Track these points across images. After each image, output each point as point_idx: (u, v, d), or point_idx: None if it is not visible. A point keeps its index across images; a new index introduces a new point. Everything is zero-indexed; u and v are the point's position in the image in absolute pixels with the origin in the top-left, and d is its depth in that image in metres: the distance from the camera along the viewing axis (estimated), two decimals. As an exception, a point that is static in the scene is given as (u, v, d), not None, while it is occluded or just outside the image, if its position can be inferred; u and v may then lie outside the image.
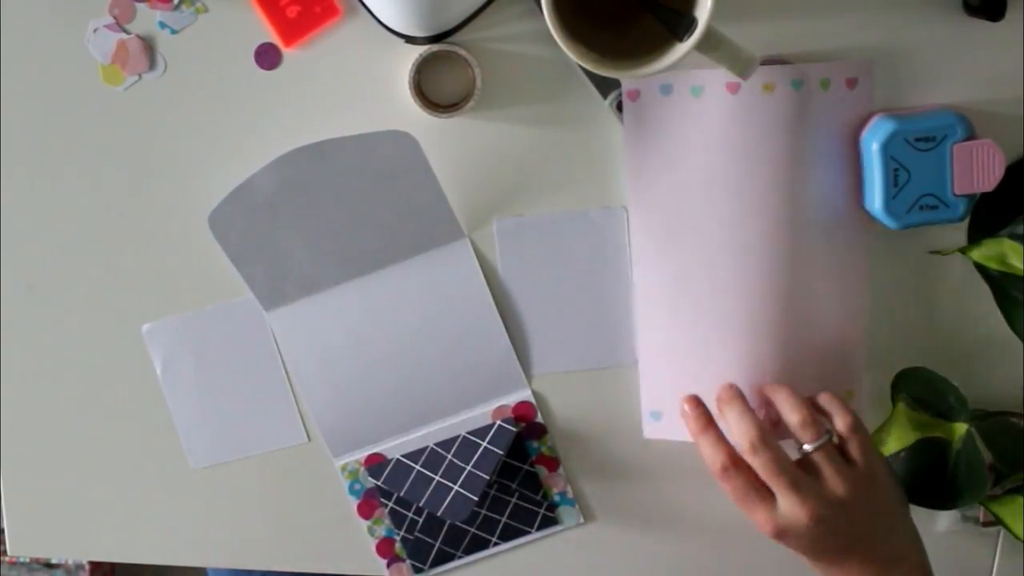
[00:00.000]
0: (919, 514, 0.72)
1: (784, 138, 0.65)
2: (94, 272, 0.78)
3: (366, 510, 0.80)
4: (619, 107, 0.74)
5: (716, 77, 0.64)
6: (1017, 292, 0.75)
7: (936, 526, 0.82)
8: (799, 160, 0.67)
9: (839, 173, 0.71)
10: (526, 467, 0.79)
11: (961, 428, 0.72)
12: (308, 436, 0.80)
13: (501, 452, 0.77)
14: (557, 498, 0.80)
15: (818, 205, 0.69)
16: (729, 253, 0.68)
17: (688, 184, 0.66)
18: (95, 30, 0.74)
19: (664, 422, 0.75)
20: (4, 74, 0.74)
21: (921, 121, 0.72)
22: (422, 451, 0.78)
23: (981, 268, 0.76)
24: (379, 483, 0.79)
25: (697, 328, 0.71)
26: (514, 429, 0.78)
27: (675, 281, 0.70)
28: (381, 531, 0.81)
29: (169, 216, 0.77)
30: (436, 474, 0.77)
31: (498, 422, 0.78)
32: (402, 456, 0.79)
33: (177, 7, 0.73)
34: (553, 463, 0.80)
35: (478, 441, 0.77)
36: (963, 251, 0.75)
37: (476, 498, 0.75)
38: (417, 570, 0.81)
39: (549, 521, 0.81)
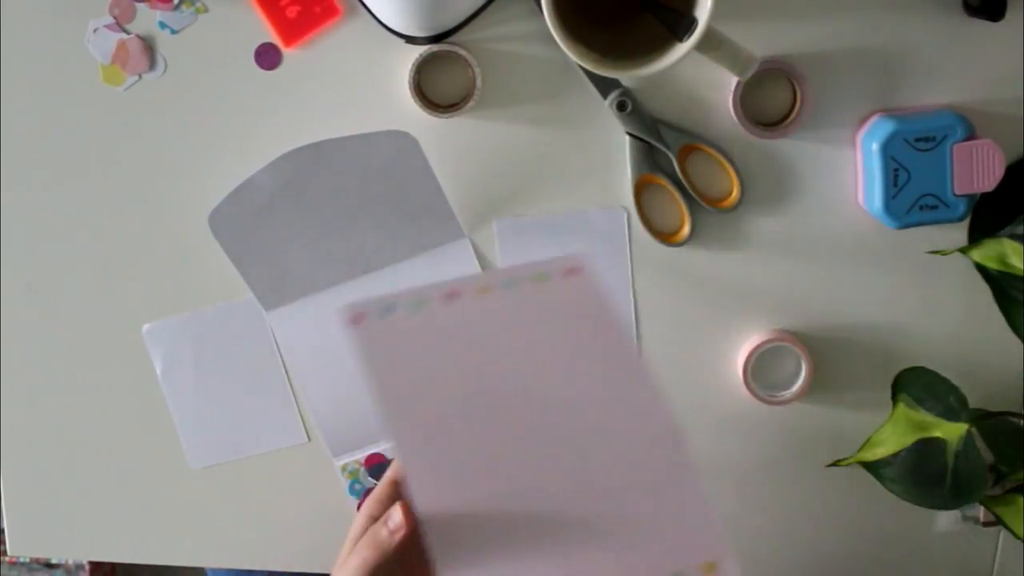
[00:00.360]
0: (919, 514, 0.72)
1: (520, 336, 0.60)
2: (94, 272, 0.78)
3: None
4: (619, 107, 0.74)
5: (432, 290, 0.59)
6: (1017, 292, 0.75)
7: (936, 526, 0.82)
8: (547, 360, 0.60)
9: (600, 365, 0.61)
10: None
11: (961, 428, 0.72)
12: (308, 436, 0.80)
13: (500, 453, 0.76)
14: None
15: (582, 398, 0.60)
16: (519, 457, 0.62)
17: (447, 399, 0.59)
18: (95, 30, 0.74)
19: None
20: (4, 74, 0.74)
21: (921, 121, 0.72)
22: (422, 451, 0.78)
23: (981, 268, 0.76)
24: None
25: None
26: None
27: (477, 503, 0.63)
28: (381, 531, 0.81)
29: (169, 216, 0.77)
30: (435, 475, 0.77)
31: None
32: (402, 456, 0.78)
33: (177, 7, 0.73)
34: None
35: (477, 442, 0.77)
36: (963, 251, 0.75)
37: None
38: None
39: (549, 521, 0.80)
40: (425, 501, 0.55)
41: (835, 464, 0.77)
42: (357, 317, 0.58)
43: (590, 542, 0.58)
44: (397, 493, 0.65)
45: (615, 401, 0.58)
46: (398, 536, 0.61)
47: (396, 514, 0.62)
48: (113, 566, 1.72)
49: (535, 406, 0.59)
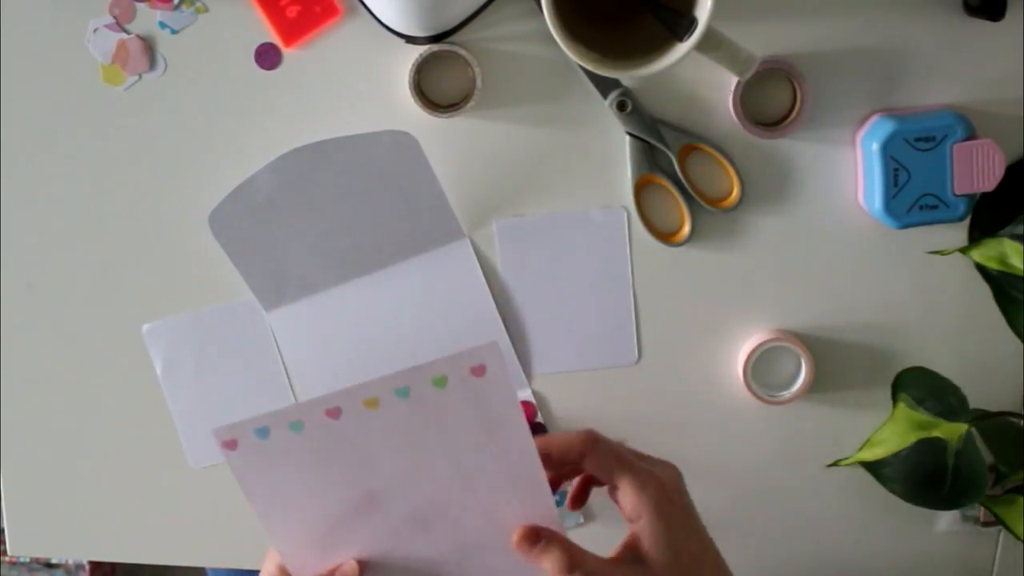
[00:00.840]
0: (919, 514, 0.72)
1: (411, 453, 0.57)
2: (94, 272, 0.78)
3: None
4: (619, 107, 0.74)
5: (313, 408, 0.55)
6: (1017, 292, 0.75)
7: (936, 526, 0.82)
8: (444, 472, 0.58)
9: (510, 474, 0.59)
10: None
11: (961, 428, 0.72)
12: (308, 436, 0.80)
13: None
14: (557, 498, 0.80)
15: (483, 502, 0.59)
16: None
17: (333, 517, 0.59)
18: (95, 30, 0.74)
19: None
20: (4, 74, 0.74)
21: (921, 121, 0.72)
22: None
23: (981, 268, 0.76)
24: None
25: None
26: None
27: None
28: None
29: (169, 216, 0.77)
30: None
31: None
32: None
33: (177, 7, 0.73)
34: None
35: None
36: (963, 251, 0.75)
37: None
38: None
39: (549, 521, 0.80)
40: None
41: (835, 464, 0.77)
42: (229, 443, 0.56)
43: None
44: None
45: (502, 509, 0.58)
46: None
47: None
48: (113, 566, 1.72)
49: (420, 523, 0.59)
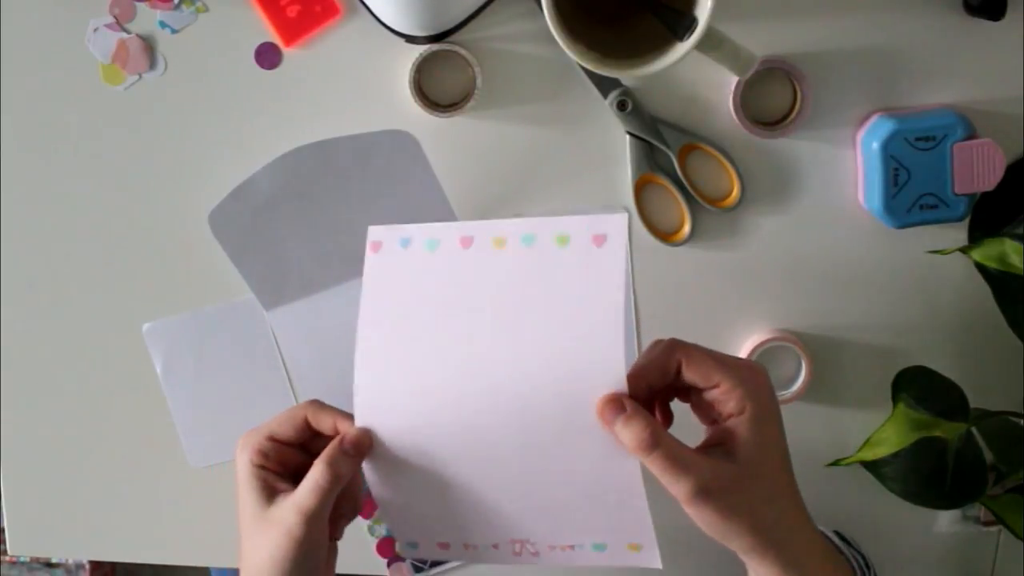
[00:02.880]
0: (919, 514, 0.72)
1: (515, 298, 0.60)
2: (94, 272, 0.78)
3: (366, 509, 0.80)
4: (619, 106, 0.74)
5: (451, 232, 0.61)
6: (1017, 292, 0.75)
7: (936, 526, 0.82)
8: (535, 322, 0.59)
9: (585, 338, 0.59)
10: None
11: (961, 428, 0.72)
12: (308, 436, 0.80)
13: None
14: None
15: (558, 370, 0.59)
16: (466, 407, 0.61)
17: (421, 337, 0.61)
18: (95, 29, 0.74)
19: (420, 550, 0.68)
20: (4, 74, 0.74)
21: (921, 121, 0.72)
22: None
23: (981, 268, 0.76)
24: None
25: (440, 478, 0.63)
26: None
27: (415, 432, 0.62)
28: (381, 530, 0.81)
29: (169, 216, 0.77)
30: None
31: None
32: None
33: (177, 7, 0.73)
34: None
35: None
36: (963, 251, 0.75)
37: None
38: (417, 569, 0.81)
39: (549, 521, 0.80)
40: (368, 420, 0.61)
41: (835, 464, 0.76)
42: (376, 244, 0.62)
43: (525, 514, 0.62)
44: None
45: (580, 389, 0.58)
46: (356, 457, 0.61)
47: (353, 432, 0.61)
48: (113, 566, 1.72)
49: (506, 385, 0.59)
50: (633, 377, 0.57)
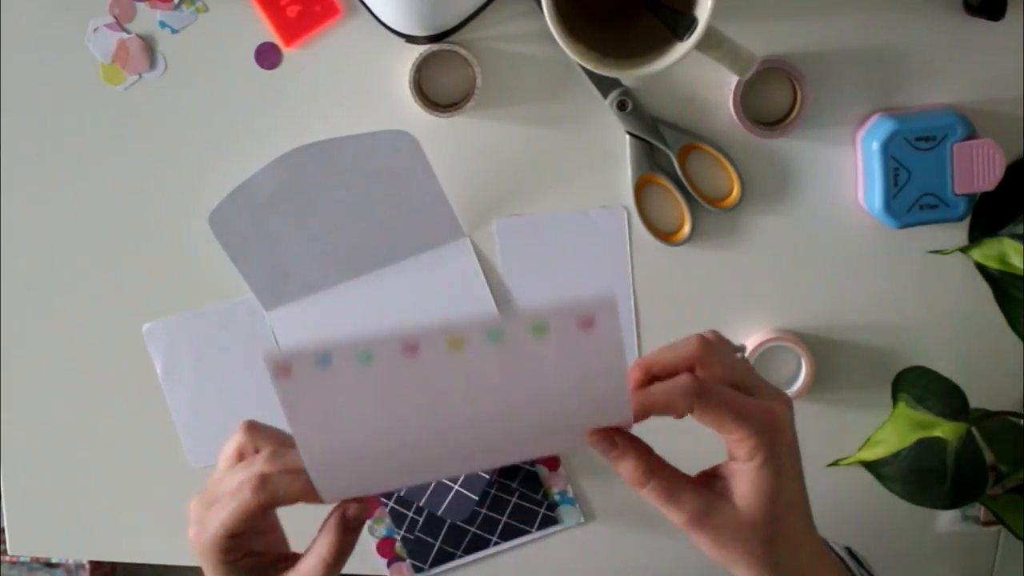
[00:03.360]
0: (919, 514, 0.72)
1: (489, 406, 0.50)
2: (94, 272, 0.78)
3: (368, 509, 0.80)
4: (619, 106, 0.74)
5: (388, 341, 0.48)
6: (1017, 292, 0.75)
7: (936, 526, 0.82)
8: (520, 425, 0.52)
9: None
10: (526, 466, 0.79)
11: (961, 428, 0.72)
12: (308, 436, 0.80)
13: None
14: (557, 497, 0.80)
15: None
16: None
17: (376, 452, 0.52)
18: (95, 29, 0.74)
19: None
20: (4, 74, 0.74)
21: (921, 121, 0.72)
22: (421, 451, 0.78)
23: (981, 268, 0.76)
24: (378, 483, 0.78)
25: None
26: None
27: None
28: (381, 530, 0.81)
29: (169, 216, 0.77)
30: (435, 475, 0.76)
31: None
32: (402, 456, 0.78)
33: (177, 6, 0.73)
34: (553, 462, 0.80)
35: (477, 441, 0.76)
36: (963, 251, 0.75)
37: (476, 497, 0.75)
38: (417, 569, 0.81)
39: (549, 520, 0.81)
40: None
41: (835, 464, 0.77)
42: (283, 370, 0.48)
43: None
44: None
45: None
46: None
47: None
48: (113, 566, 1.72)
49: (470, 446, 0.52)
50: (638, 409, 0.54)
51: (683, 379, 0.54)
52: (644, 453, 0.54)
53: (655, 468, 0.55)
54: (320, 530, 0.56)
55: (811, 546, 0.57)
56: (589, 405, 0.52)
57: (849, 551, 0.70)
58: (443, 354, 0.47)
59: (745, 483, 0.55)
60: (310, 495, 0.54)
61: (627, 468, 0.54)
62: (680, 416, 0.54)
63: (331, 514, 0.56)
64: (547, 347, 0.48)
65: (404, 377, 0.48)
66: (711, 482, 0.56)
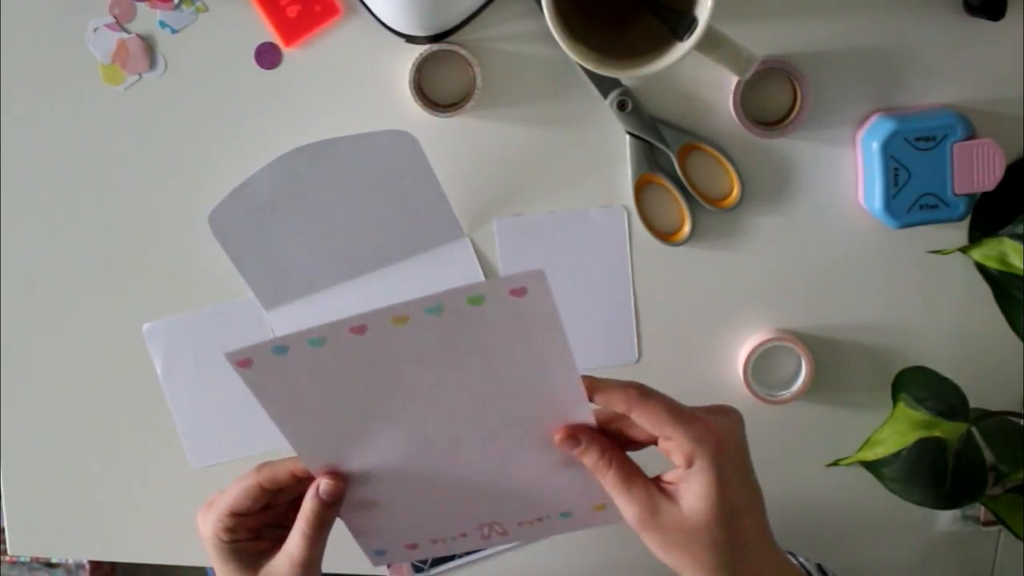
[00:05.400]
0: (919, 514, 0.72)
1: (443, 363, 0.55)
2: (94, 272, 0.78)
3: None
4: (619, 106, 0.74)
5: (336, 327, 0.53)
6: (1017, 292, 0.75)
7: (936, 526, 0.82)
8: (475, 380, 0.57)
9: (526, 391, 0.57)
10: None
11: (961, 428, 0.72)
12: (308, 436, 0.80)
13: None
14: None
15: (518, 412, 0.58)
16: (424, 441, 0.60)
17: (351, 424, 0.59)
18: (95, 29, 0.74)
19: (388, 555, 0.67)
20: (4, 74, 0.74)
21: (921, 121, 0.72)
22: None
23: (981, 268, 0.76)
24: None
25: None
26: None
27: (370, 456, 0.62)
28: (381, 531, 0.81)
29: (169, 216, 0.77)
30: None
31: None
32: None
33: (177, 6, 0.73)
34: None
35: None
36: (963, 251, 0.75)
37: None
38: (417, 570, 0.81)
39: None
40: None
41: (835, 464, 0.77)
42: (243, 361, 0.54)
43: (490, 499, 0.62)
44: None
45: (537, 418, 0.58)
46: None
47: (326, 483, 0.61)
48: (113, 566, 1.72)
49: (450, 437, 0.59)
50: (588, 385, 0.58)
51: (626, 383, 0.58)
52: (607, 446, 0.59)
53: (615, 459, 0.58)
54: (300, 512, 0.61)
55: (765, 557, 0.59)
56: (539, 374, 0.56)
57: (820, 568, 0.70)
58: (389, 330, 0.53)
59: (687, 488, 0.57)
60: (300, 470, 0.61)
61: (591, 459, 0.59)
62: (627, 412, 0.57)
63: (307, 491, 0.62)
64: (484, 313, 0.53)
65: (356, 352, 0.54)
66: (666, 486, 0.58)
